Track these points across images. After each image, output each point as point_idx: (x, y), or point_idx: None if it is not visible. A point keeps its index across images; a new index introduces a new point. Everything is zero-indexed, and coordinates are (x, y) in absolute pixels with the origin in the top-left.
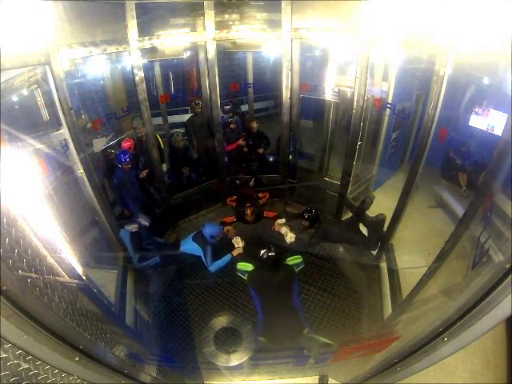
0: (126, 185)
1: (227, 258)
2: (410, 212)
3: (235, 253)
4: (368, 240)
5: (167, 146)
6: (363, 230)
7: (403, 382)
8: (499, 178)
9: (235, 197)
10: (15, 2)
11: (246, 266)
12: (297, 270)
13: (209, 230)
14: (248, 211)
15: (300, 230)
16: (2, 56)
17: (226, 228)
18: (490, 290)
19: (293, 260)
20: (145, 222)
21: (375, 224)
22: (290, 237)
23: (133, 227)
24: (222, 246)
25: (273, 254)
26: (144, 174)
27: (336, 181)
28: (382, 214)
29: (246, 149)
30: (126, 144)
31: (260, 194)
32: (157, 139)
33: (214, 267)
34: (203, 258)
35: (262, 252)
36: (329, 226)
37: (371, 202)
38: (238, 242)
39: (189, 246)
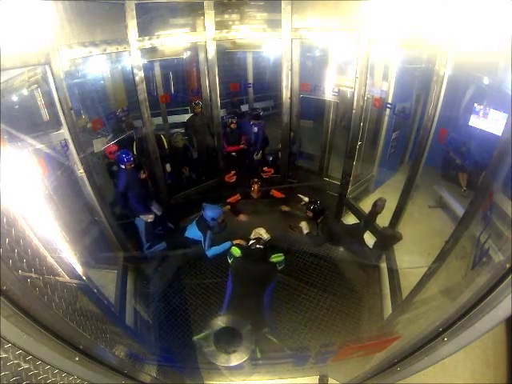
0: (132, 185)
1: (226, 245)
2: (410, 212)
3: (235, 242)
4: (371, 251)
5: (167, 146)
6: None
7: (403, 382)
8: (499, 177)
9: (233, 172)
10: (15, 2)
11: (235, 251)
12: (279, 268)
13: (209, 213)
14: (255, 187)
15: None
16: (1, 56)
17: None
18: (490, 290)
19: (275, 258)
20: (157, 211)
21: (385, 238)
22: (306, 227)
23: (148, 217)
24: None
25: (260, 246)
26: (143, 175)
27: (336, 181)
28: (398, 232)
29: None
30: (110, 149)
31: (265, 168)
32: (161, 139)
33: (210, 252)
34: (202, 243)
35: (252, 242)
36: (335, 227)
37: (383, 205)
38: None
39: (192, 232)
